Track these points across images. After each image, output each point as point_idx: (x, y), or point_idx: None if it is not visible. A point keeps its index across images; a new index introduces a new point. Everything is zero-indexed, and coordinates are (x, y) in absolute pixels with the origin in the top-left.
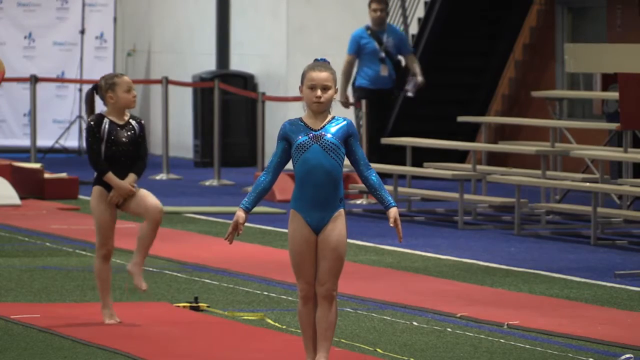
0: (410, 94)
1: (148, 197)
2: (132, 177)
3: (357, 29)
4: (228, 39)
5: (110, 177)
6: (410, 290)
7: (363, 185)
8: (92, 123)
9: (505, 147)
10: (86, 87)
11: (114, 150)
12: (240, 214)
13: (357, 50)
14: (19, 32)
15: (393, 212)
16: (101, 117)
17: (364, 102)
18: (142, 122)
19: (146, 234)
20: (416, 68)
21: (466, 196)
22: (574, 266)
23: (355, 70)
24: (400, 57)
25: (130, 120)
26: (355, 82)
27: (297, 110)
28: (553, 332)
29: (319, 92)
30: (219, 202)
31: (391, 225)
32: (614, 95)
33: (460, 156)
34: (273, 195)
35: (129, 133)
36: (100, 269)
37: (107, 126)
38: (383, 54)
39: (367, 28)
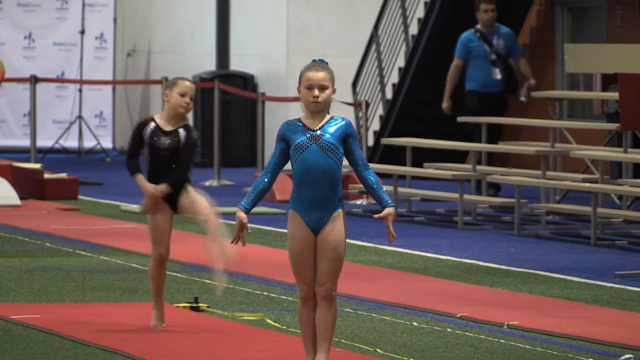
0: (522, 99)
1: (201, 203)
2: (163, 185)
3: (465, 32)
4: (228, 39)
5: (138, 179)
6: (410, 290)
7: (363, 186)
8: (136, 124)
9: (505, 147)
10: (86, 88)
11: (155, 155)
12: (241, 214)
13: (466, 54)
14: (19, 32)
15: (387, 210)
16: (149, 119)
17: (364, 103)
18: (192, 134)
19: (210, 238)
20: (527, 71)
21: (466, 196)
22: (574, 266)
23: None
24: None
25: (179, 130)
26: (465, 86)
27: (297, 111)
28: (553, 332)
29: (316, 92)
30: (219, 202)
31: (374, 217)
32: (614, 95)
33: (460, 157)
34: (273, 195)
35: (170, 140)
36: (152, 273)
37: (150, 129)
38: (494, 56)
39: (476, 30)
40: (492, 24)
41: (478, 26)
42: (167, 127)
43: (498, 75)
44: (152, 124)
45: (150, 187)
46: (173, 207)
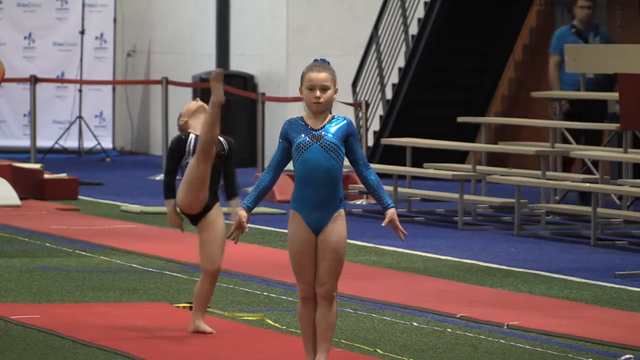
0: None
1: (212, 247)
2: (235, 201)
3: (561, 28)
4: (228, 39)
5: (167, 204)
6: (410, 290)
7: (363, 186)
8: (175, 140)
9: (505, 147)
10: (86, 88)
11: None
12: (242, 213)
13: (562, 50)
14: (19, 32)
15: (390, 212)
16: (186, 134)
17: (364, 103)
18: (232, 140)
19: (201, 287)
20: None
21: (466, 196)
22: (574, 266)
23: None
24: None
25: (218, 137)
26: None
27: (296, 111)
28: (553, 332)
29: (317, 93)
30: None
31: (382, 225)
32: (614, 95)
33: (460, 156)
34: (273, 195)
35: (217, 147)
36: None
37: (193, 140)
38: None
39: (572, 26)
40: (589, 21)
41: (574, 22)
42: None
43: (592, 73)
44: (192, 136)
45: (171, 216)
46: (195, 222)
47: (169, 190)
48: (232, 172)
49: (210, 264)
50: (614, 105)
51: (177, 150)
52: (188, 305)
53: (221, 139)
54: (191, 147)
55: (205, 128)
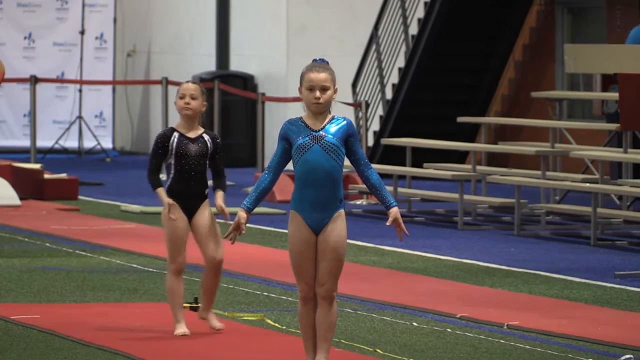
0: None
1: (210, 242)
2: (220, 195)
3: (636, 26)
4: (228, 40)
5: (160, 192)
6: (410, 290)
7: (363, 186)
8: (159, 137)
9: (505, 147)
10: (86, 88)
11: (183, 163)
12: (241, 214)
13: None
14: (19, 32)
15: (393, 212)
16: (171, 130)
17: (364, 103)
18: (218, 139)
19: (206, 280)
20: None
21: (466, 197)
22: (574, 267)
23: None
24: None
25: (203, 135)
26: None
27: (296, 111)
28: (553, 332)
29: (317, 93)
30: None
31: (387, 224)
32: (614, 95)
33: (460, 157)
34: (273, 195)
35: (198, 147)
36: (171, 285)
37: (176, 139)
38: None
39: None
40: None
41: None
42: (191, 134)
43: None
44: (176, 134)
45: (168, 200)
46: (189, 217)
47: (156, 183)
48: (220, 170)
49: (215, 262)
50: (613, 104)
51: (162, 147)
52: (188, 305)
53: (205, 137)
54: (174, 146)
55: None
